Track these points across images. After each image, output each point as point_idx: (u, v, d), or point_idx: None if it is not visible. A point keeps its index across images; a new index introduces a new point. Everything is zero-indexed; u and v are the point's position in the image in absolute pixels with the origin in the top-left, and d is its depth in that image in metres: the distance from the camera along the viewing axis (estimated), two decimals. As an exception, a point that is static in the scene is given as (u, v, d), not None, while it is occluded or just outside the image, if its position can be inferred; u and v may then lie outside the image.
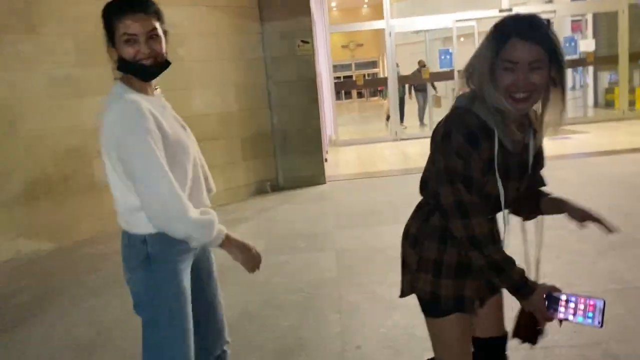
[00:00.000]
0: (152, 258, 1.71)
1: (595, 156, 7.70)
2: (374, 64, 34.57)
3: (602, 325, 1.39)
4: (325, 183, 7.45)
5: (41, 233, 5.27)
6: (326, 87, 10.78)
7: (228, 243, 1.75)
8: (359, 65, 33.61)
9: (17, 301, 4.00)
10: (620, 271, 3.47)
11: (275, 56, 7.27)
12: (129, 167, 1.62)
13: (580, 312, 1.40)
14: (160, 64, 1.72)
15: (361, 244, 4.42)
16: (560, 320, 1.45)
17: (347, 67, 32.41)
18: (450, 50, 11.48)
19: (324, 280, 3.74)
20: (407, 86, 14.69)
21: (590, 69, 13.64)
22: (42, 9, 5.24)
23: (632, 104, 11.87)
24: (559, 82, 1.44)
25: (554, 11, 11.42)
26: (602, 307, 1.39)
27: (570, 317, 1.41)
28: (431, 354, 1.73)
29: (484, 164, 1.44)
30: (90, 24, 5.42)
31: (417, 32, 14.34)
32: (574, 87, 21.95)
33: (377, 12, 13.70)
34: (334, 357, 2.77)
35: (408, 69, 13.28)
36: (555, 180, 6.62)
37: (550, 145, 8.78)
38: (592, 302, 1.39)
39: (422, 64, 12.89)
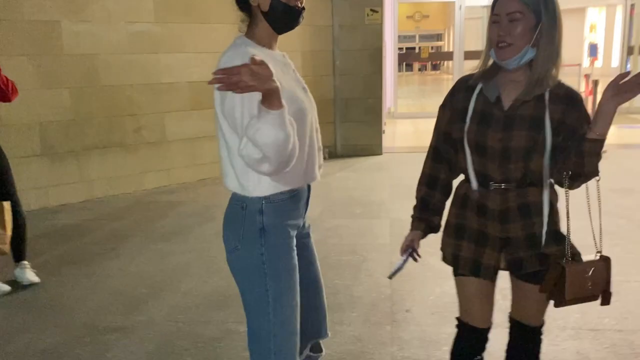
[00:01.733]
0: (268, 230, 1.60)
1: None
2: (438, 37, 33.73)
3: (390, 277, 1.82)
4: (381, 154, 7.53)
5: (114, 178, 5.65)
6: (389, 58, 10.72)
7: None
8: (423, 38, 32.89)
9: (94, 237, 4.37)
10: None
11: (343, 24, 7.31)
12: (231, 120, 1.53)
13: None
14: (302, 10, 1.64)
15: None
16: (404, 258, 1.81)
17: (411, 38, 31.79)
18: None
19: (377, 245, 3.89)
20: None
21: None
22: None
23: None
24: (546, 40, 1.55)
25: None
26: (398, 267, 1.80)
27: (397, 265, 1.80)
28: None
29: (457, 112, 1.69)
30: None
31: (486, 6, 13.93)
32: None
33: (448, -16, 13.34)
34: (384, 316, 2.93)
35: (474, 45, 12.97)
36: (621, 170, 6.53)
37: (619, 134, 8.54)
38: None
39: None
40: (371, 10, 7.29)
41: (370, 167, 6.85)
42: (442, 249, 1.82)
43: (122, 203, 5.42)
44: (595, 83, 7.73)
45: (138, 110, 5.74)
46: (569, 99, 1.61)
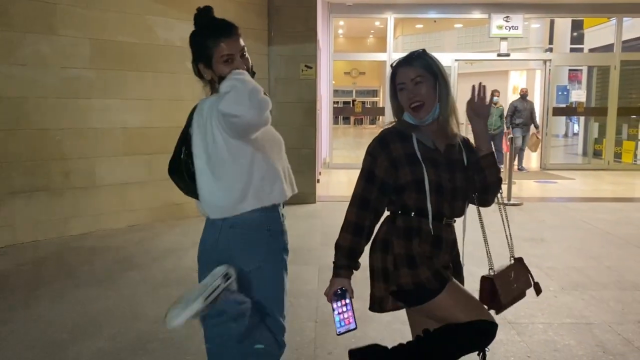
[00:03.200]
0: (285, 249, 2.07)
1: (576, 202, 8.03)
2: (374, 93, 35.16)
3: (339, 334, 1.89)
4: (315, 202, 7.72)
5: (38, 223, 5.50)
6: (325, 111, 11.12)
7: None
8: (360, 93, 34.19)
9: (14, 283, 4.21)
10: (578, 308, 3.74)
11: (279, 77, 7.59)
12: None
13: (342, 315, 1.86)
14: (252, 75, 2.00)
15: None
16: (332, 307, 1.87)
17: (349, 93, 32.93)
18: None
19: (305, 291, 3.98)
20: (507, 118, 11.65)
21: (582, 119, 14.10)
22: (64, 12, 5.55)
23: (618, 156, 12.29)
24: (445, 93, 1.86)
25: (550, 60, 11.90)
26: (351, 328, 1.86)
27: (335, 312, 1.86)
28: None
29: (396, 161, 1.84)
30: (106, 32, 5.78)
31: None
32: (566, 135, 22.40)
33: (381, 44, 14.15)
34: (307, 359, 3.01)
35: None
36: (534, 221, 6.94)
37: (535, 188, 9.16)
38: (350, 321, 1.85)
39: (494, 95, 10.92)
40: (305, 66, 7.63)
41: (303, 215, 7.00)
42: (395, 282, 1.87)
43: (47, 248, 5.26)
44: (511, 140, 8.36)
45: (67, 155, 5.67)
46: (469, 144, 1.97)
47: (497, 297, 1.87)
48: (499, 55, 11.33)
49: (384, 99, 19.91)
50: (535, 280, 2.04)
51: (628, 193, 8.97)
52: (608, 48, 12.24)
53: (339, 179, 10.20)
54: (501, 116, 11.30)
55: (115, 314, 3.65)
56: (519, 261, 2.01)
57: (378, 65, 25.60)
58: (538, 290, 2.03)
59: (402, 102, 1.88)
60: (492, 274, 1.91)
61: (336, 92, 12.87)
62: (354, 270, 1.90)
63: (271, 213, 2.00)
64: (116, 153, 6.03)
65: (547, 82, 11.88)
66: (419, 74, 1.85)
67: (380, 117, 33.40)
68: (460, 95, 2.71)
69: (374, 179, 1.86)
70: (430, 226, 1.86)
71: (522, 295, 2.00)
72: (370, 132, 28.47)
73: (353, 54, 13.77)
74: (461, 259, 2.04)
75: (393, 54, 11.49)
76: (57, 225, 5.62)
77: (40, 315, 3.62)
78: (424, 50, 1.94)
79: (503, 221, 2.02)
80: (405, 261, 1.85)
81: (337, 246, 1.90)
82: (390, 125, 1.97)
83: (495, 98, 10.93)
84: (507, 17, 11.03)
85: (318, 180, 8.43)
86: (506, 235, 2.02)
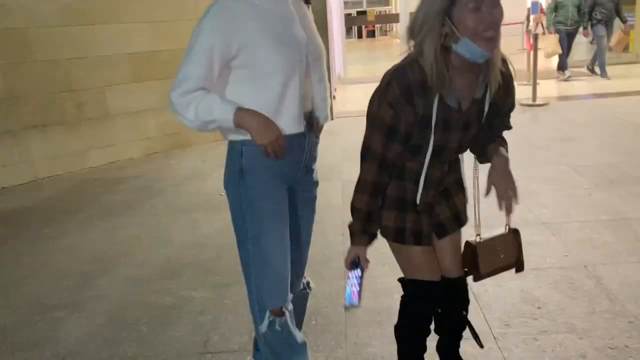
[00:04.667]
0: (245, 171, 1.67)
1: (606, 97, 7.69)
2: (386, 1, 33.66)
3: (345, 309, 1.75)
4: (332, 119, 7.53)
5: (56, 158, 5.45)
6: (336, 24, 10.64)
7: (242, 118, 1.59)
8: (370, 3, 32.75)
9: (39, 217, 4.22)
10: (613, 205, 3.61)
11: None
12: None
13: (353, 287, 1.66)
14: None
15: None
16: (348, 276, 1.67)
17: (359, 3, 31.59)
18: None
19: (331, 207, 3.91)
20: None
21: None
22: None
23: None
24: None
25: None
26: (354, 305, 1.67)
27: (349, 282, 1.67)
28: None
29: (417, 119, 1.47)
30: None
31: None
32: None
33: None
34: (337, 272, 2.97)
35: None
36: (562, 121, 6.73)
37: (560, 86, 8.79)
38: (355, 295, 1.66)
39: None
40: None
41: (322, 132, 6.83)
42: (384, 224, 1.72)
43: (67, 182, 5.24)
44: (535, 37, 7.90)
45: (77, 86, 5.52)
46: (507, 85, 1.58)
47: (477, 264, 1.70)
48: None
49: (397, 6, 18.90)
50: (522, 259, 1.77)
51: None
52: None
53: (355, 95, 9.91)
54: (579, 7, 9.13)
55: (142, 241, 3.64)
56: (514, 232, 1.74)
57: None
58: (518, 268, 1.77)
59: (466, 26, 1.35)
60: (477, 240, 1.70)
61: (346, 4, 12.19)
62: (372, 237, 1.67)
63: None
64: (126, 80, 5.84)
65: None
66: None
67: (394, 27, 32.18)
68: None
69: (395, 136, 1.51)
70: (420, 190, 1.65)
71: (507, 267, 1.76)
72: (383, 44, 27.55)
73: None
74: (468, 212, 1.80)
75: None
76: (74, 159, 5.57)
77: (69, 246, 3.63)
78: None
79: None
80: (394, 204, 1.68)
81: (353, 209, 1.64)
82: (408, 63, 1.46)
83: None
84: None
85: (334, 97, 8.18)
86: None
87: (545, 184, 4.10)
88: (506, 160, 1.63)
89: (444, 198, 1.74)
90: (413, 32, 1.46)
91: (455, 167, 1.74)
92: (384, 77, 1.52)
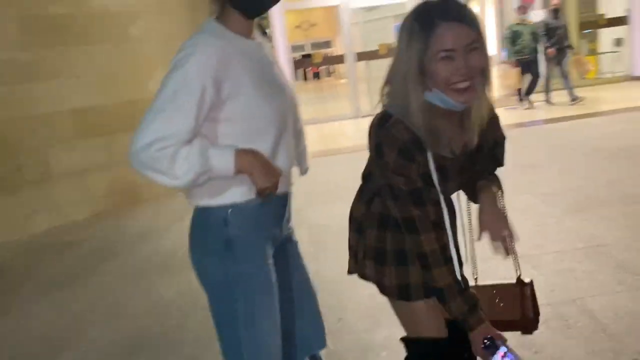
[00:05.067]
0: (235, 241, 1.43)
1: (555, 122, 7.88)
2: (328, 44, 34.40)
3: None
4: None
5: (-5, 226, 5.02)
6: (284, 68, 10.60)
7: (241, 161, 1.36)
8: (315, 46, 33.39)
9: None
10: (586, 231, 3.55)
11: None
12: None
13: None
14: None
15: (332, 219, 4.40)
16: None
17: (301, 48, 32.13)
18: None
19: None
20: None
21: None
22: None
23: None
24: (487, 70, 1.31)
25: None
26: None
27: None
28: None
29: (421, 175, 1.35)
30: (34, 5, 5.17)
31: (369, 9, 14.23)
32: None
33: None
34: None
35: (360, 47, 13.10)
36: (518, 147, 6.68)
37: (507, 114, 8.98)
38: None
39: (557, 4, 9.04)
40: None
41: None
42: (378, 280, 1.53)
43: (8, 252, 4.80)
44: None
45: (16, 147, 5.14)
46: (492, 122, 1.47)
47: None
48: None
49: (340, 48, 19.36)
50: (528, 314, 1.51)
51: (601, 107, 8.85)
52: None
53: (308, 136, 9.79)
54: (534, 35, 9.06)
55: (95, 314, 3.29)
56: (521, 284, 1.53)
57: (329, 14, 24.85)
58: (526, 329, 1.54)
59: (438, 76, 1.26)
60: (474, 284, 1.54)
61: (291, 49, 12.27)
62: (480, 310, 1.37)
63: None
64: (69, 138, 5.51)
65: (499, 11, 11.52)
66: (473, 38, 1.25)
67: (336, 68, 32.89)
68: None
69: (423, 198, 1.35)
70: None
71: (513, 324, 1.51)
72: (329, 85, 27.98)
73: (305, 0, 13.08)
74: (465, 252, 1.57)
75: (346, -2, 10.95)
76: (16, 225, 5.14)
77: (11, 327, 3.24)
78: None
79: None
80: (394, 258, 1.50)
81: (441, 293, 1.38)
82: (391, 124, 1.33)
83: (525, 14, 9.04)
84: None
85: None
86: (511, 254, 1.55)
87: (513, 214, 4.01)
88: (494, 196, 1.48)
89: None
90: (392, 86, 1.35)
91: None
92: (369, 134, 1.38)
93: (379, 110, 1.39)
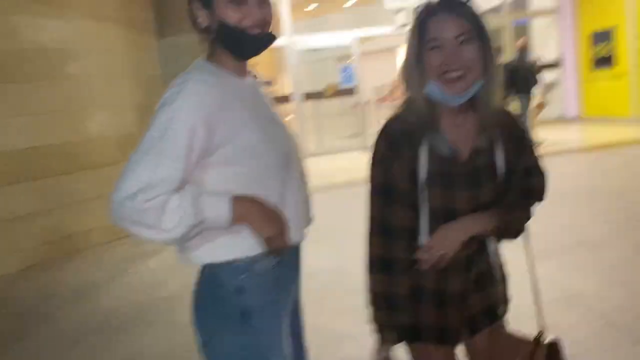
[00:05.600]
0: (252, 312, 1.29)
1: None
2: (269, 84, 34.63)
3: None
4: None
5: None
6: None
7: (241, 211, 1.24)
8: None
9: None
10: (559, 280, 3.45)
11: (175, 74, 6.81)
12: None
13: None
14: (268, 37, 1.33)
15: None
16: None
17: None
18: (351, 67, 11.59)
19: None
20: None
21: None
22: None
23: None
24: (493, 68, 1.29)
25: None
26: None
27: None
28: None
29: (409, 174, 1.31)
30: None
31: (314, 50, 14.35)
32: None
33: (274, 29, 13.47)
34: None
35: (308, 88, 13.12)
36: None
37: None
38: None
39: (523, 44, 8.70)
40: (206, 57, 6.91)
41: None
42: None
43: None
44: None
45: None
46: (517, 140, 1.38)
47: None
48: (400, 26, 11.15)
49: (283, 88, 19.43)
50: None
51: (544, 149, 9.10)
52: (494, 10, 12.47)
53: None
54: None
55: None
56: (535, 344, 1.46)
57: (272, 53, 24.98)
58: None
59: (431, 66, 1.27)
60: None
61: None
62: (395, 333, 1.36)
63: None
64: (-5, 183, 4.98)
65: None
66: (464, 30, 1.25)
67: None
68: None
69: (392, 195, 1.32)
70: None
71: None
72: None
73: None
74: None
75: (289, 38, 10.94)
76: None
77: None
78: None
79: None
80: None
81: (369, 297, 1.36)
82: (393, 114, 1.37)
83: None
84: (401, -13, 10.84)
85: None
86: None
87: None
88: (473, 220, 1.33)
89: (476, 284, 1.42)
90: (403, 76, 1.36)
91: (485, 244, 1.42)
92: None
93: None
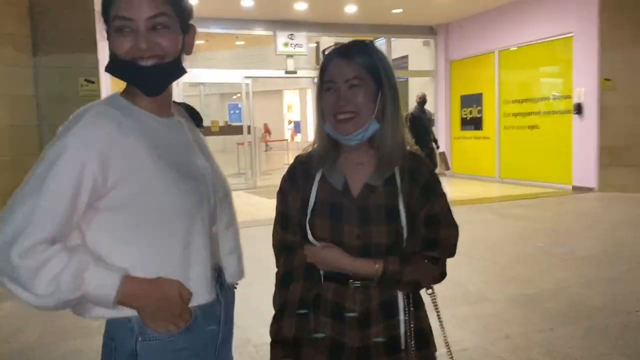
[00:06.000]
0: None
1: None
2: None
3: None
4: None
5: None
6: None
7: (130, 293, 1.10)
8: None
9: None
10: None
11: (51, 95, 6.23)
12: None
13: None
14: (169, 68, 1.17)
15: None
16: None
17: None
18: (239, 105, 11.52)
19: None
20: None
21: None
22: None
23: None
24: (391, 110, 1.34)
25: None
26: None
27: None
28: None
29: (301, 204, 1.38)
30: None
31: (195, 84, 14.05)
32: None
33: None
34: None
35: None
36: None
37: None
38: None
39: (422, 97, 8.98)
40: (86, 80, 6.41)
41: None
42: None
43: None
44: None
45: None
46: (423, 186, 1.36)
47: None
48: (288, 72, 11.33)
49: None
50: None
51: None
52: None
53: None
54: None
55: None
56: None
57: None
58: None
59: (326, 107, 1.34)
60: None
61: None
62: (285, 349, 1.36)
63: None
64: None
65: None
66: (357, 74, 1.32)
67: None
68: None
69: (287, 223, 1.40)
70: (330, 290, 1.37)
71: None
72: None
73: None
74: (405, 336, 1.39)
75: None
76: None
77: None
78: (370, 41, 1.40)
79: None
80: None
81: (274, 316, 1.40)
82: (308, 148, 1.45)
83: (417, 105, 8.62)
84: (292, 34, 11.10)
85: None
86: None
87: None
88: (355, 261, 1.33)
89: (378, 332, 1.36)
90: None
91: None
92: None
93: None
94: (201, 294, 1.18)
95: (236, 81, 11.40)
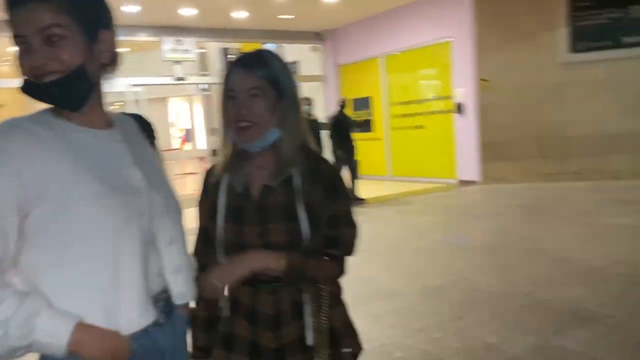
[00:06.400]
0: None
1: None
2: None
3: None
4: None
5: None
6: None
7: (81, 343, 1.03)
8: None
9: None
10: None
11: None
12: None
13: None
14: (72, 78, 1.07)
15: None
16: None
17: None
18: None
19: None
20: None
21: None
22: None
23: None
24: (291, 118, 1.40)
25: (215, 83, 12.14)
26: None
27: None
28: None
29: (211, 210, 1.44)
30: None
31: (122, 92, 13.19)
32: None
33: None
34: None
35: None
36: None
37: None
38: None
39: (342, 100, 9.04)
40: None
41: None
42: None
43: None
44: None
45: None
46: (326, 185, 1.41)
47: None
48: (177, 79, 10.98)
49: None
50: None
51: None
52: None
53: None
54: (317, 133, 8.40)
55: None
56: None
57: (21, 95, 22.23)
58: None
59: (228, 115, 1.39)
60: None
61: None
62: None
63: None
64: None
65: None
66: (257, 84, 1.36)
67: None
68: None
69: (205, 231, 1.48)
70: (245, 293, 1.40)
71: None
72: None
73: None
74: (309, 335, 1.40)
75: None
76: None
77: None
78: (271, 51, 1.45)
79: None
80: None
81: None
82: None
83: (306, 107, 8.48)
84: (179, 40, 10.79)
85: None
86: None
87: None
88: (251, 256, 1.35)
89: (290, 333, 1.39)
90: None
91: (295, 289, 1.39)
92: None
93: None
94: (133, 319, 1.11)
95: (122, 89, 10.83)
